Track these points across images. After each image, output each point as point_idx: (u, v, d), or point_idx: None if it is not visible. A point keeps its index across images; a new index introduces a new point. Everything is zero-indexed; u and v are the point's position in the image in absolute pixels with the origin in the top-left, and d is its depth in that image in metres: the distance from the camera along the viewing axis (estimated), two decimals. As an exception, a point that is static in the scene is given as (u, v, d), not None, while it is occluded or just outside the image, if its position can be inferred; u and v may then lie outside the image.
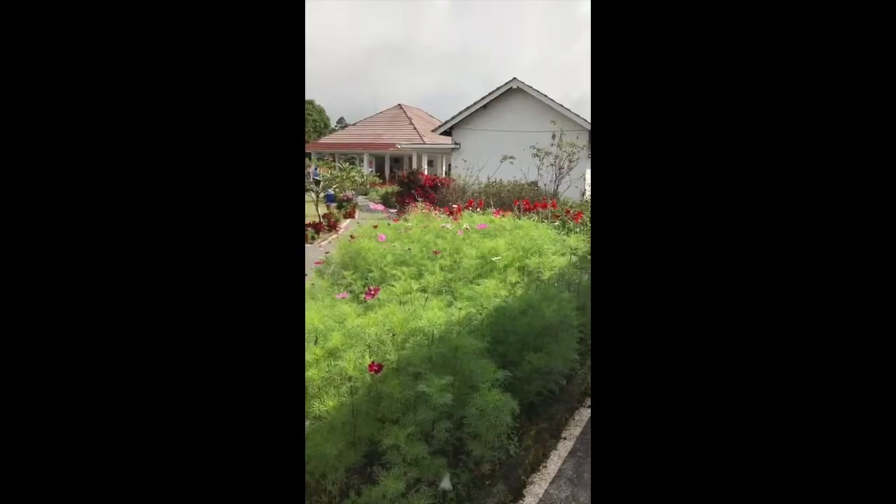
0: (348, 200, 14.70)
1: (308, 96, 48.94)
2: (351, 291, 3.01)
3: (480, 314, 2.50)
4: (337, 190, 14.18)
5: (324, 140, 33.72)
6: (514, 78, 13.94)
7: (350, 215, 13.66)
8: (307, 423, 1.82)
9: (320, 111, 49.08)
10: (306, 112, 47.58)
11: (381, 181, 21.56)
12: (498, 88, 14.15)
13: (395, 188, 16.02)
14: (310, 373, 1.86)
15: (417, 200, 9.88)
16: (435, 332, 2.13)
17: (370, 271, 3.29)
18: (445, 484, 1.96)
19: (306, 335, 2.07)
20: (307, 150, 31.19)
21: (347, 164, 16.95)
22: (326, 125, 48.83)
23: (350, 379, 1.89)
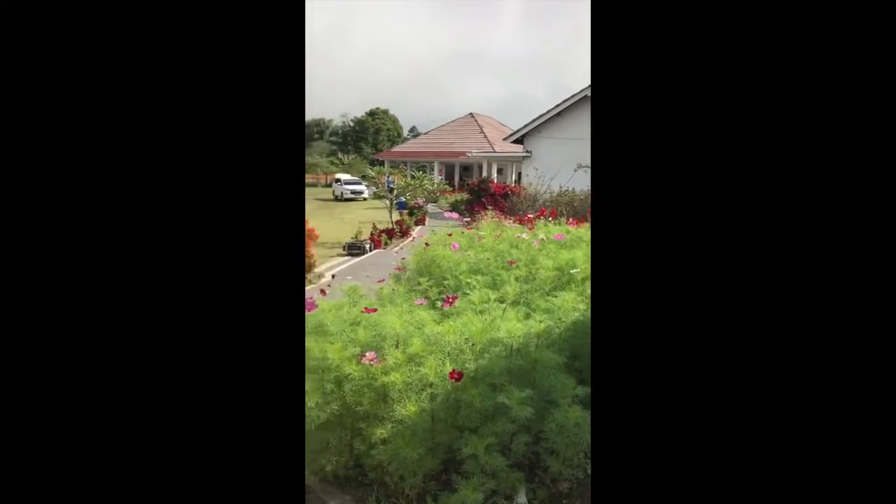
0: (419, 207, 15.02)
1: (383, 106, 50.59)
2: (427, 298, 3.06)
3: (558, 328, 2.45)
4: (408, 197, 14.54)
5: (396, 149, 34.72)
6: (590, 86, 13.61)
7: (420, 222, 13.95)
8: (389, 426, 1.87)
9: (394, 120, 50.61)
10: (381, 121, 49.20)
11: (450, 189, 21.82)
12: (573, 96, 13.89)
13: (464, 196, 16.13)
14: (392, 377, 1.92)
15: (487, 208, 9.89)
16: (513, 343, 2.12)
17: (445, 279, 3.33)
18: (522, 499, 1.93)
19: (388, 339, 2.14)
20: (381, 159, 32.27)
21: (420, 172, 17.35)
22: (399, 134, 50.22)
23: (431, 385, 1.93)
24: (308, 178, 37.71)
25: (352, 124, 51.60)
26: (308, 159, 42.65)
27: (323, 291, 2.53)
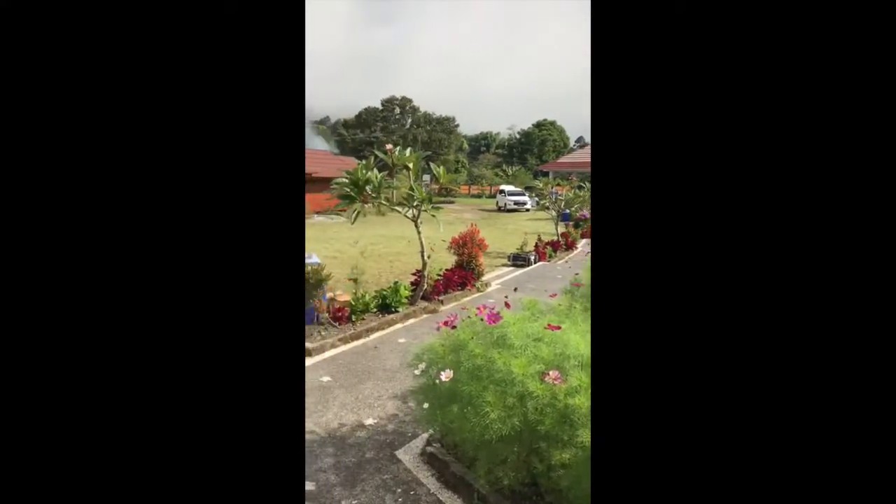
0: (585, 219, 14.48)
1: (550, 117, 50.42)
2: (606, 319, 2.89)
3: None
4: (574, 209, 14.12)
5: (562, 159, 34.19)
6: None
7: (586, 235, 13.42)
8: (573, 450, 1.79)
9: (561, 131, 49.97)
10: (547, 132, 49.04)
11: (619, 201, 20.57)
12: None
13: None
14: (577, 400, 1.84)
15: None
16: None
17: (626, 299, 3.11)
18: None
19: (571, 359, 2.06)
20: (545, 170, 32.12)
21: (587, 183, 16.73)
22: (566, 144, 49.42)
23: (619, 415, 1.80)
24: (473, 190, 39.39)
25: (518, 136, 52.40)
26: (474, 171, 44.56)
27: (507, 304, 2.56)
